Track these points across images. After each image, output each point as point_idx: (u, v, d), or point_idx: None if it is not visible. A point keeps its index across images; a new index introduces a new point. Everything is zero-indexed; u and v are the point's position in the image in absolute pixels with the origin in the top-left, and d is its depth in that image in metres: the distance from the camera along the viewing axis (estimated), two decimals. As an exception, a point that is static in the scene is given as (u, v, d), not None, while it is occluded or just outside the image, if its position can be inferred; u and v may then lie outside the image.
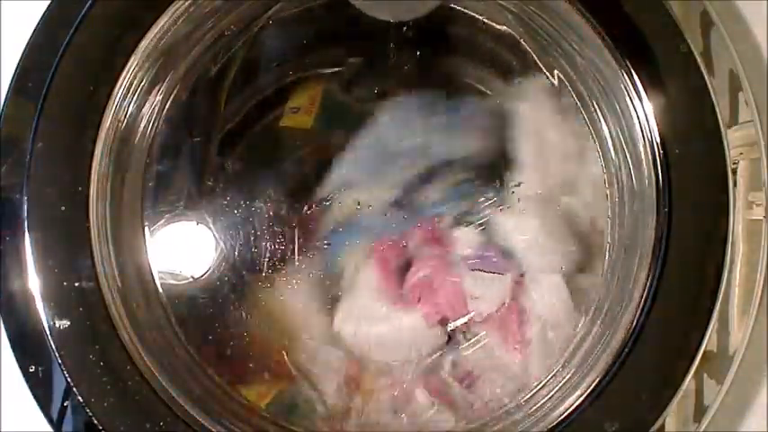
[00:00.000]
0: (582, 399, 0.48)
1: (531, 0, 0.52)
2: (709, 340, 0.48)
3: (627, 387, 0.47)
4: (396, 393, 0.53)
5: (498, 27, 0.55)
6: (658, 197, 0.49)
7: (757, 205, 0.50)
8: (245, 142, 0.55)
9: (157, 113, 0.53)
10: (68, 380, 0.47)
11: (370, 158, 0.55)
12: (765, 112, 0.52)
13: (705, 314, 0.48)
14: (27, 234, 0.48)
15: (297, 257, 0.53)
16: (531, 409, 0.51)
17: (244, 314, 0.53)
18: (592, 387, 0.48)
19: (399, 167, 0.54)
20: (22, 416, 0.50)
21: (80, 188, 0.49)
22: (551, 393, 0.50)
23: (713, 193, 0.48)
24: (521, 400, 0.51)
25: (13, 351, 0.48)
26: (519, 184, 0.54)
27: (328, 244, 0.54)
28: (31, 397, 0.48)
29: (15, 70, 0.50)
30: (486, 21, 0.55)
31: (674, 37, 0.49)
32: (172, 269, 0.53)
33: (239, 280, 0.53)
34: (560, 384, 0.50)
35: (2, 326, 0.49)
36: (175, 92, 0.54)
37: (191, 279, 0.53)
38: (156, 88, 0.53)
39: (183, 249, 0.54)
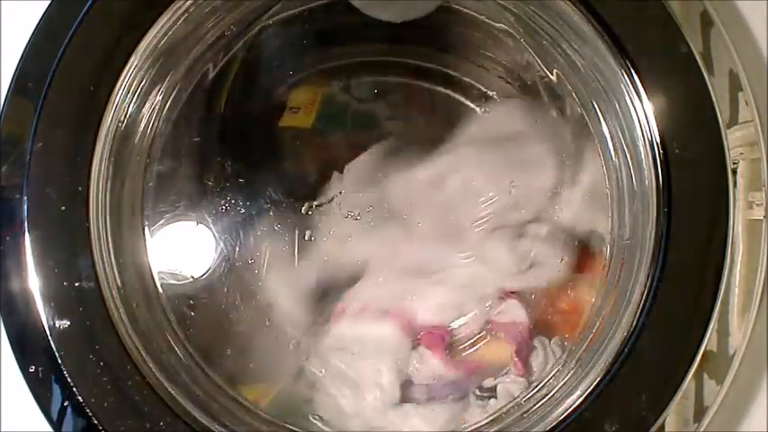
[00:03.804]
0: (582, 399, 0.48)
1: (531, 0, 0.52)
2: (709, 340, 0.47)
3: (627, 387, 0.47)
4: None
5: (498, 27, 0.55)
6: (658, 197, 0.48)
7: (757, 205, 0.50)
8: (245, 142, 0.55)
9: (157, 113, 0.53)
10: (68, 380, 0.47)
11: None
12: (765, 112, 0.52)
13: (705, 314, 0.47)
14: (27, 234, 0.48)
15: (296, 257, 0.53)
16: (530, 408, 0.50)
17: (244, 314, 0.53)
18: (592, 387, 0.47)
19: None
20: (22, 416, 0.50)
21: (80, 188, 0.48)
22: (551, 393, 0.50)
23: (713, 193, 0.48)
24: (521, 400, 0.51)
25: (13, 351, 0.48)
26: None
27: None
28: (31, 397, 0.48)
29: (15, 70, 0.50)
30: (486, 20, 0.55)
31: (674, 37, 0.49)
32: (172, 269, 0.53)
33: (239, 280, 0.53)
34: (560, 384, 0.50)
35: (2, 326, 0.49)
36: (175, 92, 0.54)
37: (191, 279, 0.53)
38: (156, 88, 0.53)
39: (183, 249, 0.54)
